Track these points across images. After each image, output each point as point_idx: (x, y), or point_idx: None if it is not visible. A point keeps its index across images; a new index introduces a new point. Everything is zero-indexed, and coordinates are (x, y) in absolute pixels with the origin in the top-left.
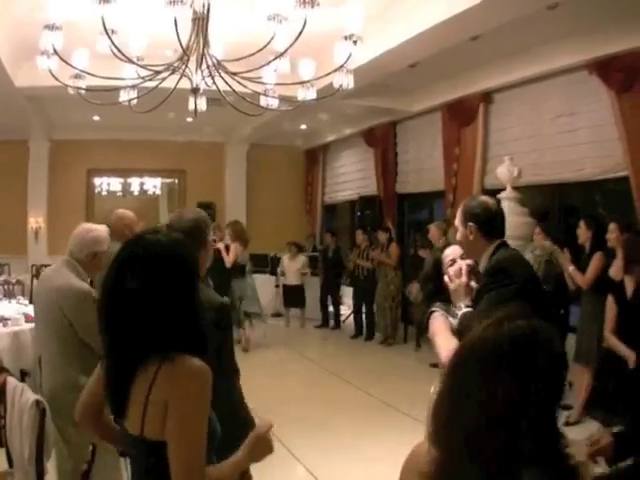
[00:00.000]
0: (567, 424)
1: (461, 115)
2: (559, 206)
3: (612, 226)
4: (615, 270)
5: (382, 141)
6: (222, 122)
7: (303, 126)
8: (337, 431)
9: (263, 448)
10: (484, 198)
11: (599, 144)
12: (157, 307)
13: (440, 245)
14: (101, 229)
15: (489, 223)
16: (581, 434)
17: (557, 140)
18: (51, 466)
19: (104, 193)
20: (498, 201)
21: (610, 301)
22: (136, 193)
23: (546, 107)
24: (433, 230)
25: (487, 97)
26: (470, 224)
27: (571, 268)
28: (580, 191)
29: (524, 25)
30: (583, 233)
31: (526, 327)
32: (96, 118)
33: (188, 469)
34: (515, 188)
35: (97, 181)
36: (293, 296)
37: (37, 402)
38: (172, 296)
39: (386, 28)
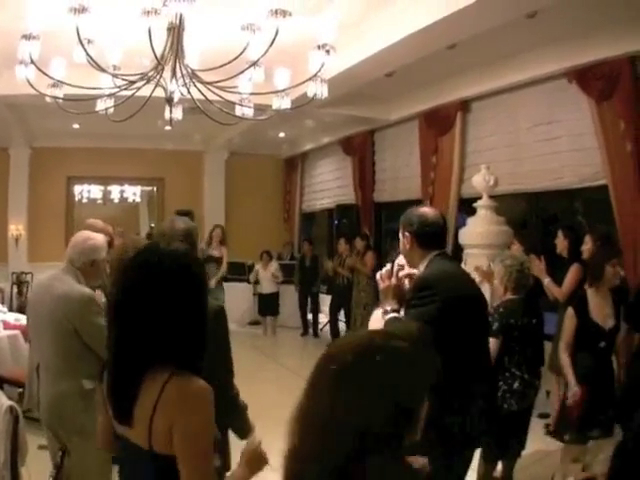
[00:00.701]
0: (548, 433)
1: (438, 124)
2: (537, 215)
3: (587, 238)
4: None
5: (360, 150)
6: (201, 130)
7: (282, 134)
8: None
9: (259, 461)
10: (424, 209)
11: (578, 153)
12: (170, 315)
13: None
14: (99, 237)
15: (425, 234)
16: (559, 444)
17: (535, 149)
18: (25, 472)
19: (84, 200)
20: (441, 213)
21: (570, 314)
22: (116, 201)
23: (524, 115)
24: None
25: (464, 105)
26: (407, 234)
27: (546, 280)
28: (560, 200)
29: (502, 33)
30: (560, 243)
31: (388, 347)
32: (76, 126)
33: None
34: (493, 197)
35: (78, 189)
36: (268, 304)
37: (11, 408)
38: (185, 305)
39: (362, 37)
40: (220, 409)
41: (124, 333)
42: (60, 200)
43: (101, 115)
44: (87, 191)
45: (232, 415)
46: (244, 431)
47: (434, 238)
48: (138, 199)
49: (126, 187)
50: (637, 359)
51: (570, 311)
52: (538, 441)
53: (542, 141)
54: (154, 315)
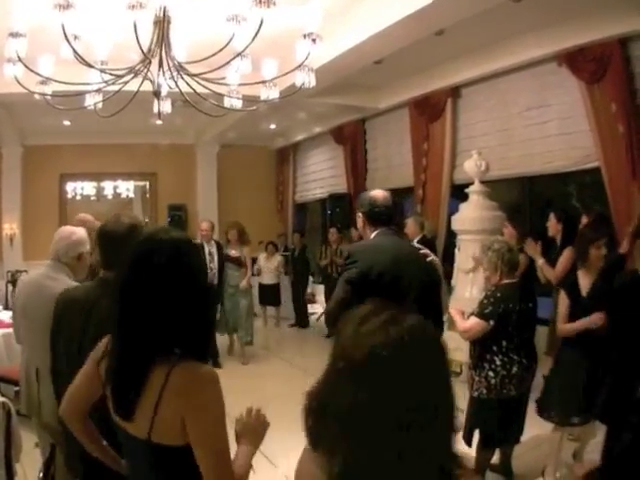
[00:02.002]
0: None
1: (429, 110)
2: (531, 199)
3: (583, 218)
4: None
5: (351, 139)
6: (192, 124)
7: (273, 126)
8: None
9: (258, 429)
10: (374, 192)
11: (569, 136)
12: (174, 304)
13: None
14: (82, 231)
15: (373, 213)
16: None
17: (526, 133)
18: (20, 469)
19: (78, 197)
20: (391, 195)
21: (562, 296)
22: (110, 197)
23: (515, 100)
24: (410, 224)
25: (455, 92)
26: (359, 214)
27: (541, 261)
28: (553, 184)
29: (490, 18)
30: (553, 226)
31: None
32: (67, 123)
33: (219, 473)
34: (485, 182)
35: (71, 186)
36: (269, 295)
37: (3, 404)
38: (189, 295)
39: (350, 25)
40: None
41: (129, 325)
42: (53, 198)
43: (91, 111)
44: (80, 188)
45: None
46: None
47: (380, 217)
48: (132, 194)
49: (119, 183)
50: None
51: (562, 293)
52: (536, 426)
53: (533, 125)
54: (156, 303)
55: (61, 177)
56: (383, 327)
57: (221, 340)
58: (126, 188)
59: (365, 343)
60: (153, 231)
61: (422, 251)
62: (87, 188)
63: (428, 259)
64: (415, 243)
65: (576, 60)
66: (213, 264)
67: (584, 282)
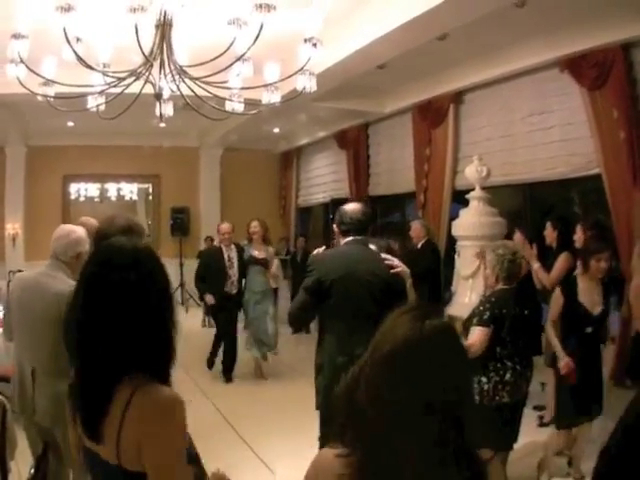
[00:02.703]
0: (541, 425)
1: (431, 116)
2: (532, 205)
3: (578, 228)
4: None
5: (354, 143)
6: (195, 127)
7: (276, 129)
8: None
9: None
10: (347, 206)
11: (571, 142)
12: (127, 319)
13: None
14: (81, 230)
15: (342, 224)
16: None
17: (528, 139)
18: (15, 466)
19: (82, 199)
20: (363, 208)
21: (557, 294)
22: (113, 199)
23: (517, 106)
24: (416, 226)
25: (457, 97)
26: (334, 225)
27: (536, 265)
28: (555, 190)
29: (493, 24)
30: (549, 234)
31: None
32: (71, 124)
33: None
34: (487, 188)
35: (75, 187)
36: None
37: None
38: (142, 307)
39: (352, 29)
40: None
41: (88, 344)
42: (56, 199)
43: (94, 113)
44: (84, 189)
45: None
46: None
47: (348, 228)
48: (135, 197)
49: (123, 185)
50: None
51: (557, 291)
52: (531, 433)
53: (535, 131)
54: (116, 322)
55: (64, 178)
56: (413, 322)
57: (244, 355)
58: (130, 190)
59: (399, 334)
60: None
61: (387, 262)
62: (91, 190)
63: (393, 270)
64: (382, 253)
65: (578, 66)
66: (232, 271)
67: (582, 286)
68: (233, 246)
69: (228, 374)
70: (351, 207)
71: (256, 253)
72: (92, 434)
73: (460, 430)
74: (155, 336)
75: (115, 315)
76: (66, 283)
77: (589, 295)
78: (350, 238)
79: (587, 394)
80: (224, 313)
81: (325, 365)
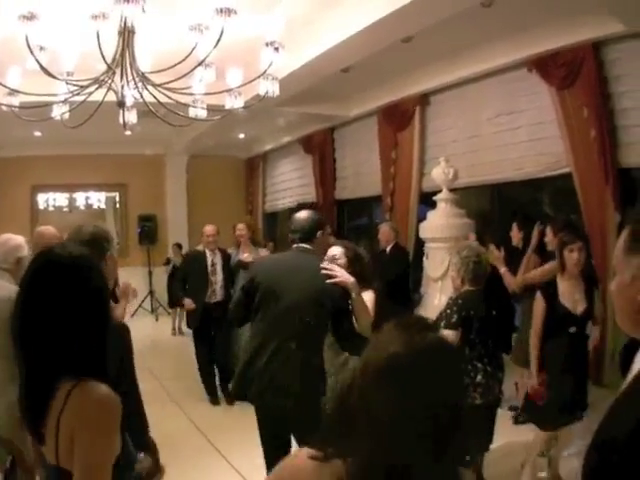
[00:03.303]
0: (517, 422)
1: (397, 118)
2: (501, 206)
3: (548, 229)
4: (542, 273)
5: (320, 148)
6: (160, 134)
7: (241, 135)
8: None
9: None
10: (296, 215)
11: (540, 142)
12: (63, 322)
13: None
14: (19, 237)
15: (290, 231)
16: (529, 433)
17: (496, 139)
18: None
19: (51, 209)
20: (310, 217)
21: (538, 297)
22: (82, 208)
23: (485, 107)
24: (384, 229)
25: (423, 99)
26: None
27: (503, 269)
28: (524, 190)
29: (459, 24)
30: (515, 235)
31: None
32: (37, 134)
33: None
34: (455, 189)
35: (43, 197)
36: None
37: None
38: (77, 311)
39: (315, 33)
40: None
41: (25, 345)
42: (24, 209)
43: (60, 122)
44: (53, 199)
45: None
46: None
47: (295, 236)
48: (103, 205)
49: (91, 194)
50: None
51: (538, 295)
52: (507, 434)
53: (503, 132)
54: (53, 322)
55: (33, 188)
56: (405, 336)
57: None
58: (97, 199)
59: (386, 349)
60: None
61: (326, 272)
62: (59, 199)
63: (330, 281)
64: (325, 262)
65: (546, 65)
66: (215, 277)
67: (562, 287)
68: (218, 251)
69: (213, 393)
70: (298, 215)
71: (245, 256)
72: (36, 435)
73: (453, 445)
74: (90, 337)
75: (51, 317)
76: (8, 289)
77: (570, 294)
78: (295, 245)
79: (572, 396)
80: (206, 330)
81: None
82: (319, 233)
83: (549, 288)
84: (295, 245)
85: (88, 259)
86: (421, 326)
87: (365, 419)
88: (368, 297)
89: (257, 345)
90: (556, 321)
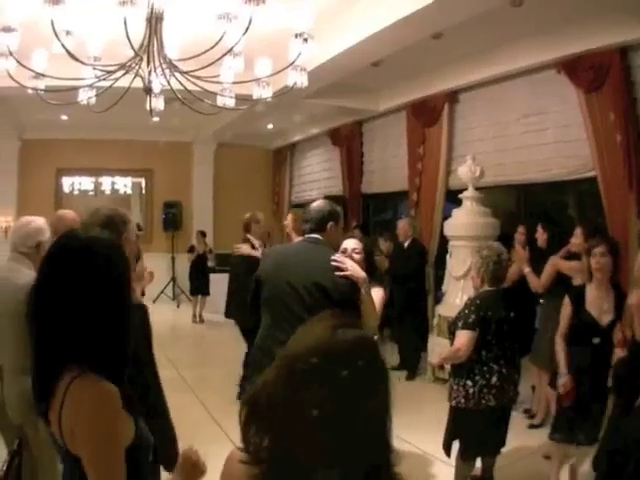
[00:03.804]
0: (532, 426)
1: (426, 115)
2: (526, 207)
3: (577, 230)
4: (566, 267)
5: (348, 141)
6: (188, 122)
7: (270, 126)
8: None
9: (194, 471)
10: (309, 206)
11: (566, 144)
12: (81, 309)
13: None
14: (40, 219)
15: (302, 221)
16: (544, 436)
17: (523, 140)
18: None
19: (76, 192)
20: (321, 207)
21: (566, 302)
22: (108, 192)
23: (512, 107)
24: (403, 225)
25: (452, 97)
26: None
27: (527, 270)
28: (549, 192)
29: (489, 23)
30: (540, 236)
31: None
32: (64, 118)
33: None
34: (481, 188)
35: (68, 180)
36: None
37: None
38: (97, 299)
39: (346, 26)
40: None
41: (39, 328)
42: (49, 192)
43: (88, 107)
44: (79, 183)
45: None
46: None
47: (306, 227)
48: (129, 190)
49: (117, 178)
50: None
51: (566, 299)
52: (520, 438)
53: (530, 132)
54: (66, 309)
55: (58, 171)
56: (326, 330)
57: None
58: (124, 184)
59: (308, 341)
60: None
61: (336, 264)
62: (85, 183)
63: (339, 273)
64: (336, 254)
65: (575, 68)
66: None
67: (590, 294)
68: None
69: None
70: (313, 204)
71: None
72: (44, 416)
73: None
74: (102, 327)
75: (63, 303)
76: (28, 276)
77: (598, 303)
78: (305, 236)
79: (586, 414)
80: None
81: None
82: (330, 224)
83: (578, 293)
84: (306, 236)
85: (107, 244)
86: (344, 324)
87: (272, 416)
88: (377, 295)
89: (265, 341)
90: (579, 329)
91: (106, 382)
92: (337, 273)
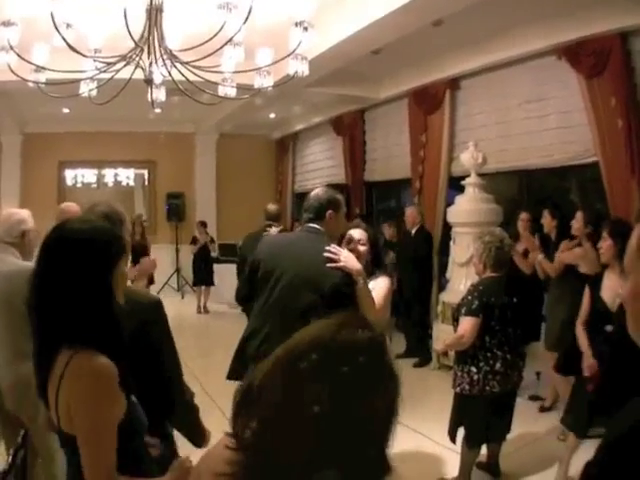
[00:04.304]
0: (542, 409)
1: (427, 102)
2: (529, 193)
3: (578, 215)
4: (571, 256)
5: (350, 129)
6: (190, 112)
7: (272, 115)
8: None
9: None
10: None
11: (568, 130)
12: (69, 291)
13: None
14: (23, 211)
15: (302, 210)
16: (555, 420)
17: (525, 126)
18: None
19: (78, 185)
20: (317, 196)
21: (586, 290)
22: (110, 184)
23: (514, 93)
24: (411, 211)
25: (453, 83)
26: None
27: (540, 257)
28: (551, 178)
29: (490, 9)
30: (548, 223)
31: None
32: (66, 110)
33: (92, 468)
34: (483, 175)
35: (71, 173)
36: None
37: None
38: (83, 281)
39: (346, 14)
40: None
41: (36, 312)
42: (52, 185)
43: (89, 99)
44: (81, 175)
45: (183, 420)
46: (197, 437)
47: (305, 216)
48: (132, 182)
49: (120, 171)
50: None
51: (586, 287)
52: (526, 424)
53: (531, 118)
54: (56, 291)
55: (60, 164)
56: (330, 327)
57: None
58: (126, 176)
59: (309, 335)
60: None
61: (329, 254)
62: (88, 176)
63: (331, 265)
64: (332, 245)
65: (576, 53)
66: None
67: (606, 280)
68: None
69: None
70: (311, 193)
71: None
72: (43, 399)
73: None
74: (98, 308)
75: (57, 287)
76: (16, 265)
77: (611, 289)
78: (303, 225)
79: (605, 405)
80: None
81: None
82: (329, 213)
83: (594, 280)
84: (305, 225)
85: (100, 230)
86: (355, 324)
87: (263, 408)
88: (382, 284)
89: (252, 328)
90: (593, 316)
91: (103, 357)
92: (329, 265)
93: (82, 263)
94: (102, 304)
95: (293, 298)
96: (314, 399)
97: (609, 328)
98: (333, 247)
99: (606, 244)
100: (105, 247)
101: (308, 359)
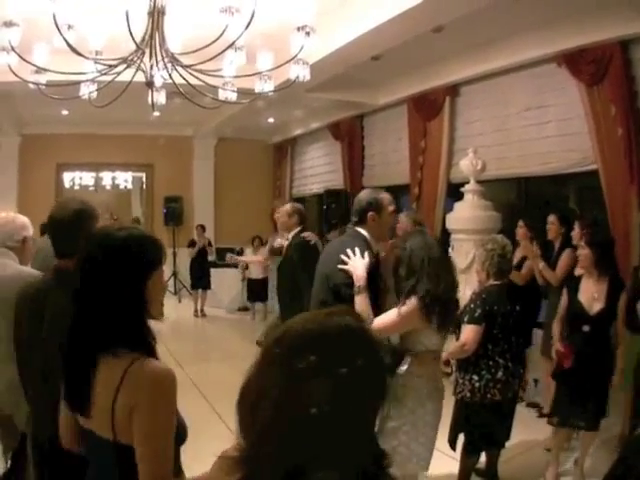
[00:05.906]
0: (541, 415)
1: (427, 108)
2: (527, 200)
3: (577, 223)
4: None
5: (349, 134)
6: (189, 116)
7: (271, 120)
8: None
9: None
10: None
11: (567, 137)
12: (107, 301)
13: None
14: (22, 217)
15: None
16: (548, 431)
17: (524, 133)
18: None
19: (76, 187)
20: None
21: (564, 292)
22: (108, 187)
23: (513, 100)
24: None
25: (453, 90)
26: None
27: (541, 265)
28: (551, 185)
29: (490, 16)
30: (555, 229)
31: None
32: (65, 112)
33: (155, 476)
34: (482, 182)
35: (69, 175)
36: (256, 290)
37: None
38: (121, 291)
39: (346, 20)
40: None
41: (79, 316)
42: (50, 187)
43: (89, 101)
44: (79, 178)
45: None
46: None
47: (353, 218)
48: (130, 185)
49: (118, 173)
50: None
51: (564, 290)
52: (525, 431)
53: (531, 126)
54: (96, 300)
55: (58, 166)
56: (317, 316)
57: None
58: (124, 179)
59: (297, 325)
60: (104, 229)
61: (343, 256)
62: (86, 178)
63: (340, 266)
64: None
65: (576, 61)
66: None
67: (583, 284)
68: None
69: None
70: (358, 194)
71: (278, 241)
72: (79, 406)
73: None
74: (138, 314)
75: (104, 293)
76: (16, 269)
77: (589, 292)
78: (347, 228)
79: (583, 399)
80: None
81: None
82: (370, 215)
83: (572, 284)
84: (347, 228)
85: (137, 239)
86: (340, 312)
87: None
88: (388, 316)
89: None
90: (571, 317)
91: (163, 363)
92: (339, 266)
93: (123, 270)
94: (139, 311)
95: (315, 292)
96: (275, 382)
97: (586, 328)
98: (350, 252)
99: (584, 252)
100: (143, 257)
101: (300, 348)
